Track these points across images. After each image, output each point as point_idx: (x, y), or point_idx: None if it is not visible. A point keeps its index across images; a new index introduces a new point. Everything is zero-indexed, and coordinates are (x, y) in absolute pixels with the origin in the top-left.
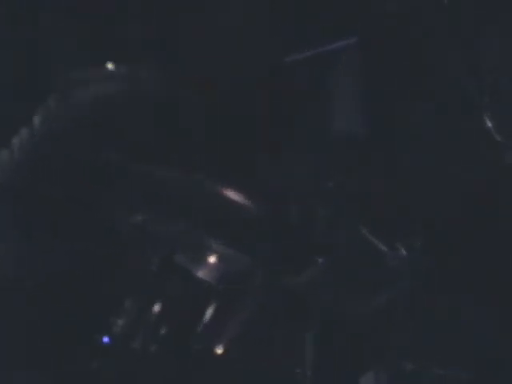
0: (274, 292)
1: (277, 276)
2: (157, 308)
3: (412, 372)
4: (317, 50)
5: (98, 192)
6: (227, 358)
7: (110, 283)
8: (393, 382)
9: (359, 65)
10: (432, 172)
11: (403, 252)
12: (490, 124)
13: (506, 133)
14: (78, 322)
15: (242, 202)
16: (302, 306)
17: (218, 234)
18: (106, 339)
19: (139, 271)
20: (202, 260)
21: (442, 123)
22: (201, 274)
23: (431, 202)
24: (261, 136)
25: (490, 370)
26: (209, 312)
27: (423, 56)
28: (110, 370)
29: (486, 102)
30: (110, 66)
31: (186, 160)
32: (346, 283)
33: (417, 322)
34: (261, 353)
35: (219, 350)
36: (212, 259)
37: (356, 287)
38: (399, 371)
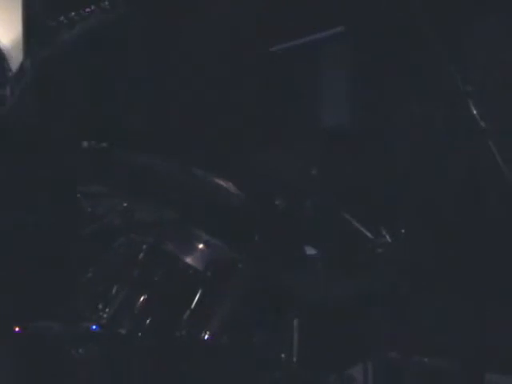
0: (260, 279)
1: (264, 264)
2: (144, 295)
3: (397, 360)
4: (305, 40)
5: (85, 179)
6: (214, 343)
7: (97, 270)
8: (380, 371)
9: (348, 57)
10: (419, 162)
11: (388, 239)
12: (475, 112)
13: (490, 120)
14: (65, 308)
15: (229, 190)
16: (288, 293)
17: (205, 221)
18: (93, 326)
19: (127, 258)
20: (190, 247)
21: (430, 114)
22: (188, 260)
23: (417, 190)
24: (249, 126)
25: (471, 359)
26: (196, 298)
27: (411, 49)
28: (96, 355)
29: (470, 91)
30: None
31: (174, 149)
32: (333, 269)
33: (402, 312)
34: (247, 338)
35: (206, 336)
36: (200, 246)
37: (343, 273)
38: (385, 360)
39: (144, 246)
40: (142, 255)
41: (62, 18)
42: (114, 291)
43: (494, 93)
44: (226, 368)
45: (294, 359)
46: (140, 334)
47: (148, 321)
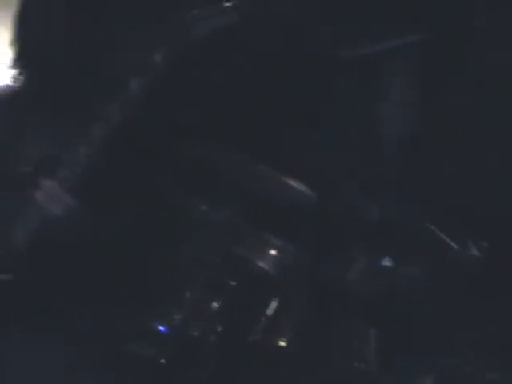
0: (327, 284)
1: (331, 268)
2: (217, 299)
3: (468, 375)
4: (377, 47)
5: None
6: (289, 350)
7: (171, 272)
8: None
9: (416, 66)
10: (495, 172)
11: (476, 251)
12: None
13: None
14: (136, 310)
15: (301, 191)
16: (364, 301)
17: (276, 224)
18: (162, 328)
19: (200, 262)
20: (263, 251)
21: (501, 129)
22: (261, 264)
23: (495, 201)
24: (316, 129)
25: None
26: (270, 304)
27: (484, 66)
28: (165, 358)
29: None
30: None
31: (246, 148)
32: (414, 282)
33: (469, 319)
34: (321, 346)
35: (282, 343)
36: (272, 251)
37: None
38: (457, 374)
39: (217, 250)
40: (215, 259)
41: (196, 11)
42: (186, 294)
43: None
44: (298, 376)
45: (373, 368)
46: (212, 337)
47: (220, 325)
